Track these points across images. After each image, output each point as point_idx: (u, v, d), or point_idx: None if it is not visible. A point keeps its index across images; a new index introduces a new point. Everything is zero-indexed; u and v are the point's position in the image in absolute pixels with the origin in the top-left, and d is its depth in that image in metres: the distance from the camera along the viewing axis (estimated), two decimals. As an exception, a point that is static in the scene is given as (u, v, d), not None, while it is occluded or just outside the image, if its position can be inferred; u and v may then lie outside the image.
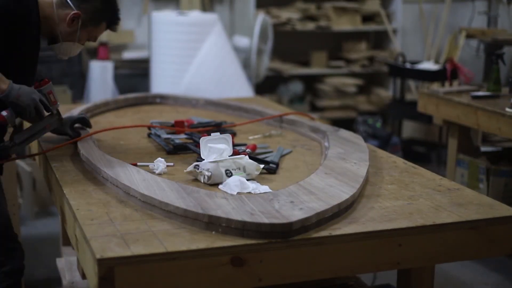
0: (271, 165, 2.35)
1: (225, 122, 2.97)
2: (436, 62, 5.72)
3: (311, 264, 1.80)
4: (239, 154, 2.31)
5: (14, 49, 2.28)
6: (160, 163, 2.32)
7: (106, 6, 2.45)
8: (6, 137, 2.45)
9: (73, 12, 2.36)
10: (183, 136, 2.70)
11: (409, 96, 5.93)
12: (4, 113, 2.24)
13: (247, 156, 2.27)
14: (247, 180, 2.14)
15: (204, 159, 2.25)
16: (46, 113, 2.40)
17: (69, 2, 2.37)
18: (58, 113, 2.49)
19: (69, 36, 2.41)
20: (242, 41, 5.85)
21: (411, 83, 6.19)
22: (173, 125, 2.83)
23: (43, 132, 2.44)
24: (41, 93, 2.36)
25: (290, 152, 2.62)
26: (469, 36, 5.51)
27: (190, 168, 2.22)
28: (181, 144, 2.58)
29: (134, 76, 5.92)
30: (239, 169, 2.20)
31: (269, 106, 3.47)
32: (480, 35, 5.43)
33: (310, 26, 6.22)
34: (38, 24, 2.34)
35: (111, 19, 2.47)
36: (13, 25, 2.25)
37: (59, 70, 5.51)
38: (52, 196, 2.44)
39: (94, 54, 5.81)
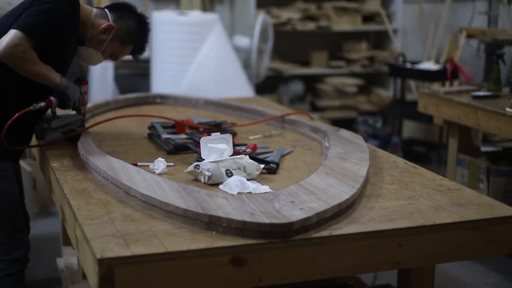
0: (271, 165, 2.35)
1: (225, 122, 2.98)
2: (437, 62, 5.72)
3: (311, 264, 1.80)
4: (239, 154, 2.31)
5: (58, 47, 2.46)
6: (160, 163, 2.32)
7: (139, 30, 2.63)
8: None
9: (108, 23, 2.54)
10: (183, 136, 2.70)
11: (409, 96, 5.93)
12: (52, 98, 2.47)
13: (247, 156, 2.27)
14: (248, 180, 2.14)
15: (204, 159, 2.25)
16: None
17: (108, 15, 2.56)
18: (84, 114, 2.70)
19: (96, 44, 2.57)
20: (243, 41, 5.85)
21: (412, 83, 6.18)
22: (173, 125, 2.83)
23: (69, 126, 2.63)
24: (80, 91, 2.60)
25: (291, 152, 2.62)
26: (470, 36, 5.51)
27: (191, 168, 2.22)
28: (181, 144, 2.58)
29: (135, 76, 5.91)
30: (240, 169, 2.20)
31: (269, 106, 3.47)
32: (480, 35, 5.42)
33: (310, 26, 6.22)
34: (78, 26, 2.50)
35: (138, 45, 2.65)
36: (61, 25, 2.41)
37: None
38: (52, 196, 2.44)
39: (94, 54, 5.81)
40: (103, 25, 2.53)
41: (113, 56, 2.64)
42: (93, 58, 2.62)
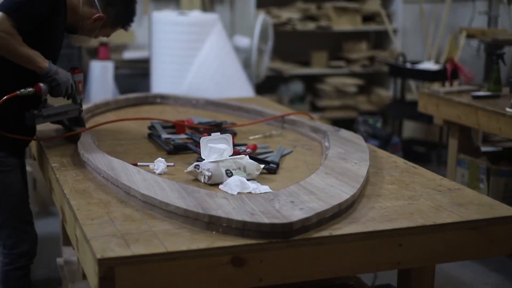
0: (271, 165, 2.35)
1: (225, 122, 2.98)
2: (437, 62, 5.72)
3: (311, 264, 1.80)
4: (239, 154, 2.31)
5: (46, 34, 2.45)
6: (160, 163, 2.32)
7: (128, 13, 2.64)
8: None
9: (99, 14, 2.54)
10: (183, 136, 2.70)
11: (409, 96, 5.93)
12: (41, 84, 2.43)
13: (247, 156, 2.27)
14: (248, 180, 2.14)
15: (204, 159, 2.25)
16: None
17: (96, 3, 2.55)
18: (80, 104, 2.66)
19: (88, 32, 2.60)
20: (243, 41, 5.85)
21: (412, 83, 6.18)
22: (173, 125, 2.83)
23: (64, 115, 2.62)
24: (73, 79, 2.56)
25: (291, 152, 2.62)
26: (470, 36, 5.51)
27: (191, 168, 2.22)
28: (181, 144, 2.58)
29: (135, 76, 5.91)
30: (240, 169, 2.20)
31: (269, 106, 3.47)
32: (480, 35, 5.42)
33: (310, 26, 6.22)
34: (65, 13, 2.51)
35: (128, 22, 2.66)
36: (44, 7, 2.41)
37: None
38: (52, 196, 2.44)
39: (94, 54, 5.81)
40: (94, 17, 2.53)
41: (104, 36, 2.67)
42: (85, 42, 2.67)
